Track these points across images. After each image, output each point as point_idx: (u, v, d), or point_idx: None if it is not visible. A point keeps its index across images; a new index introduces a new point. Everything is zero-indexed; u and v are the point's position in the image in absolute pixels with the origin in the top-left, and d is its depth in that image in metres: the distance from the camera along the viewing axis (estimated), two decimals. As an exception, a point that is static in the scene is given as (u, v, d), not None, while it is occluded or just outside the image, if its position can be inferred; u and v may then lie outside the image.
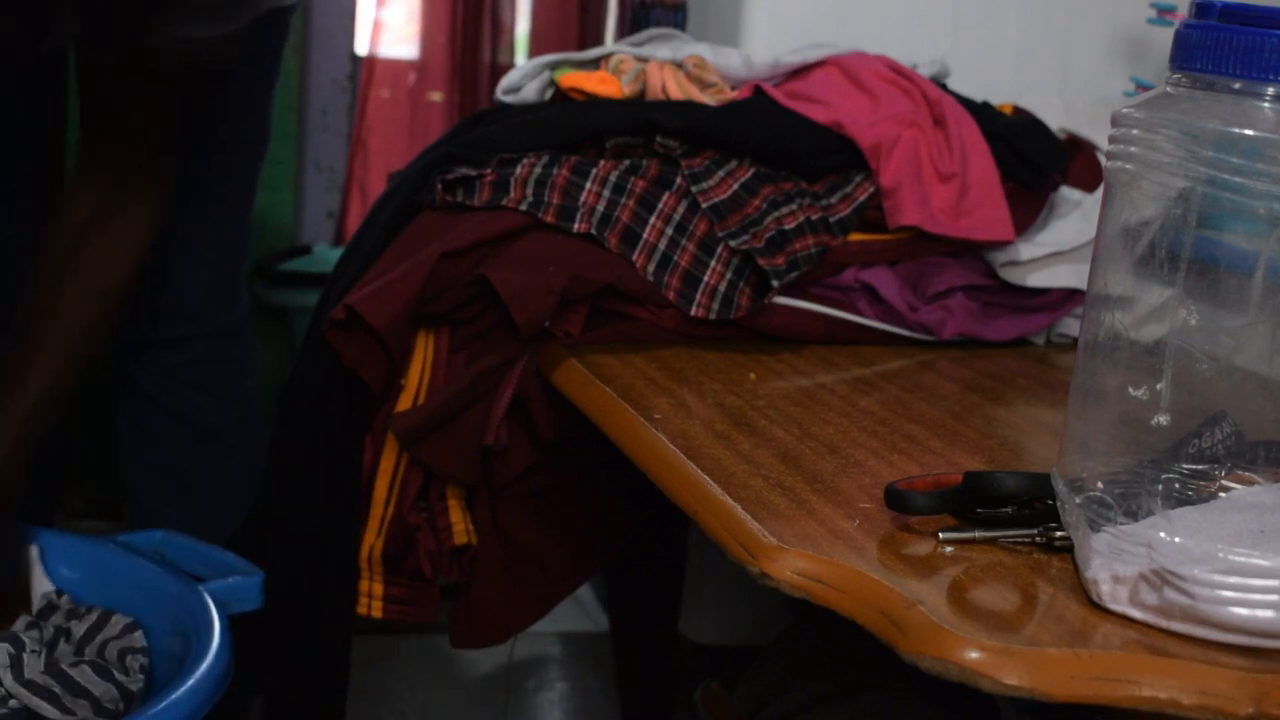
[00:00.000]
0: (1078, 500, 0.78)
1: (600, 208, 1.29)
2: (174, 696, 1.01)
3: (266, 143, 1.68)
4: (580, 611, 2.17)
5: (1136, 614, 0.74)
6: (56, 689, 1.08)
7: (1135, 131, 0.77)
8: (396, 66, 2.98)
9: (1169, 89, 0.77)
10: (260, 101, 1.63)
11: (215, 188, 1.61)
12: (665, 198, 1.31)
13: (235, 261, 1.67)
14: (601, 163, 1.33)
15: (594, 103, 1.43)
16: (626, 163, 1.34)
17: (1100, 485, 0.78)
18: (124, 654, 1.16)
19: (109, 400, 2.14)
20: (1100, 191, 1.42)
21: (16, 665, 1.11)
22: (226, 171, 1.62)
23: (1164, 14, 1.69)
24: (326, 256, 2.69)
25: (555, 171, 1.31)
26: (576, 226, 1.28)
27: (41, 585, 1.26)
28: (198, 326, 1.63)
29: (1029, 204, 1.44)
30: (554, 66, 1.50)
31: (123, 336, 1.59)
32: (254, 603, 1.24)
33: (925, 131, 1.40)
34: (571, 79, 1.46)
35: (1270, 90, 0.73)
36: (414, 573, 1.32)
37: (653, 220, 1.30)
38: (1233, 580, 0.71)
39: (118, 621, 1.19)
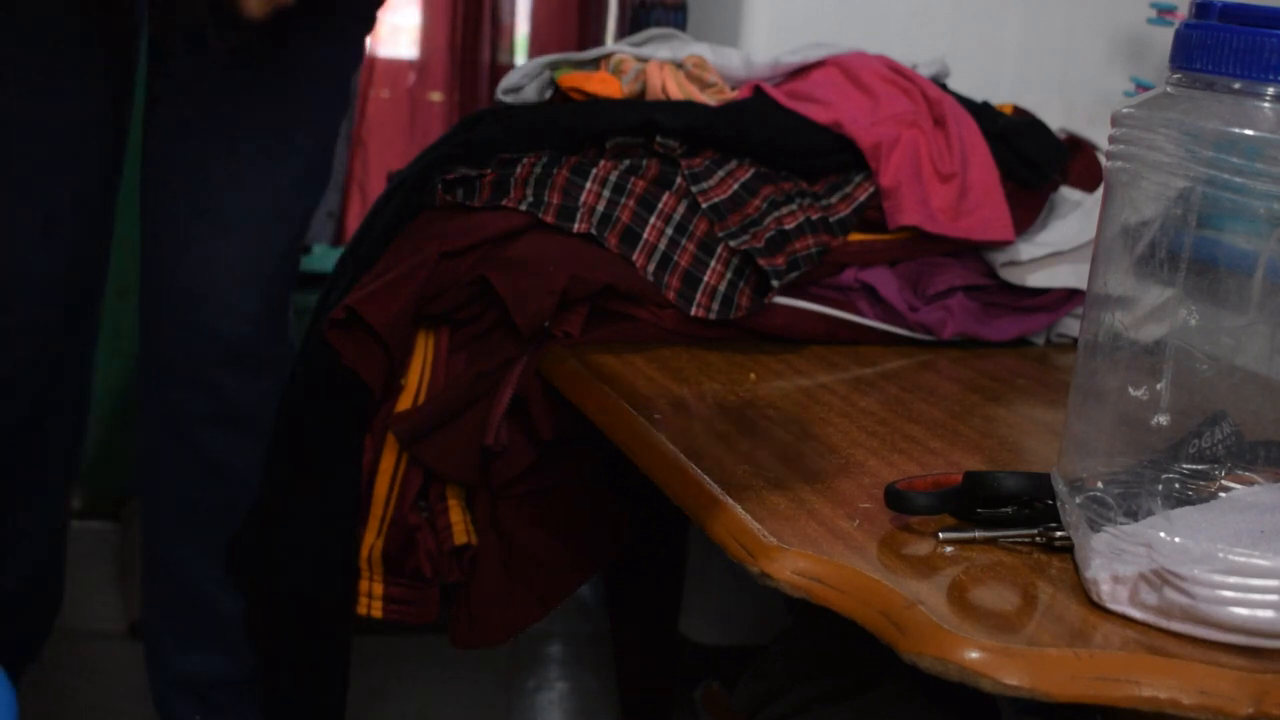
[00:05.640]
0: (1078, 500, 0.78)
1: (600, 208, 1.29)
2: None
3: (341, 111, 1.50)
4: (580, 611, 2.17)
5: (1136, 614, 0.74)
6: None
7: (1135, 131, 0.77)
8: (396, 66, 2.98)
9: (1169, 89, 0.77)
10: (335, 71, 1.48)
11: (275, 168, 1.44)
12: (665, 198, 1.31)
13: (288, 279, 1.48)
14: (601, 163, 1.33)
15: (594, 103, 1.43)
16: (626, 163, 1.34)
17: (1100, 485, 0.78)
18: None
19: (112, 401, 2.13)
20: (1100, 191, 1.42)
21: None
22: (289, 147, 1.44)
23: (1164, 14, 1.69)
24: (326, 256, 2.69)
25: (555, 171, 1.31)
26: (576, 226, 1.28)
27: None
28: (240, 353, 1.45)
29: (1029, 204, 1.44)
30: (554, 66, 1.50)
31: (151, 359, 1.48)
32: None
33: (925, 131, 1.40)
34: (571, 79, 1.46)
35: (1270, 90, 0.73)
36: (414, 573, 1.32)
37: (653, 220, 1.30)
38: (1233, 580, 0.71)
39: None
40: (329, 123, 1.47)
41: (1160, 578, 0.72)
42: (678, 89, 1.44)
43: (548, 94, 1.50)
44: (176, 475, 1.49)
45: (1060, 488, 0.81)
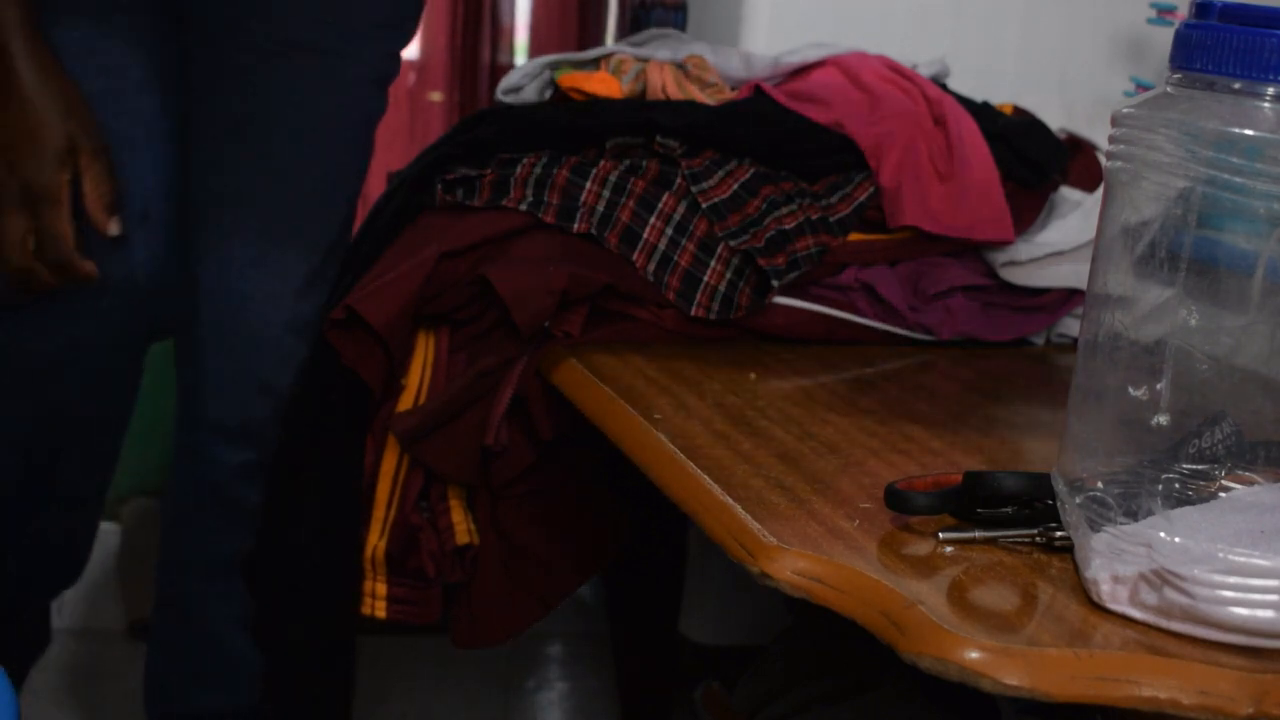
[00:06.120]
0: (1078, 500, 0.78)
1: (600, 208, 1.29)
2: None
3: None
4: (580, 611, 2.17)
5: (1136, 614, 0.74)
6: None
7: (1135, 131, 0.77)
8: (396, 66, 2.97)
9: (1169, 89, 0.77)
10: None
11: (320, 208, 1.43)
12: (665, 198, 1.31)
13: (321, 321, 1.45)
14: (601, 163, 1.33)
15: (594, 103, 1.43)
16: (626, 163, 1.34)
17: (1100, 485, 0.78)
18: None
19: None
20: (1100, 191, 1.42)
21: None
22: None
23: (1164, 14, 1.69)
24: (326, 256, 2.68)
25: (555, 171, 1.31)
26: (576, 226, 1.28)
27: None
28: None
29: (1029, 204, 1.44)
30: (554, 66, 1.50)
31: (192, 412, 1.45)
32: None
33: (925, 131, 1.40)
34: (571, 79, 1.46)
35: (1270, 90, 0.73)
36: (416, 573, 1.32)
37: (653, 220, 1.30)
38: (1233, 580, 0.71)
39: None
40: (363, 167, 1.47)
41: (1160, 578, 0.72)
42: (678, 89, 1.44)
43: (548, 94, 1.50)
44: (206, 525, 1.47)
45: (1060, 488, 0.81)
